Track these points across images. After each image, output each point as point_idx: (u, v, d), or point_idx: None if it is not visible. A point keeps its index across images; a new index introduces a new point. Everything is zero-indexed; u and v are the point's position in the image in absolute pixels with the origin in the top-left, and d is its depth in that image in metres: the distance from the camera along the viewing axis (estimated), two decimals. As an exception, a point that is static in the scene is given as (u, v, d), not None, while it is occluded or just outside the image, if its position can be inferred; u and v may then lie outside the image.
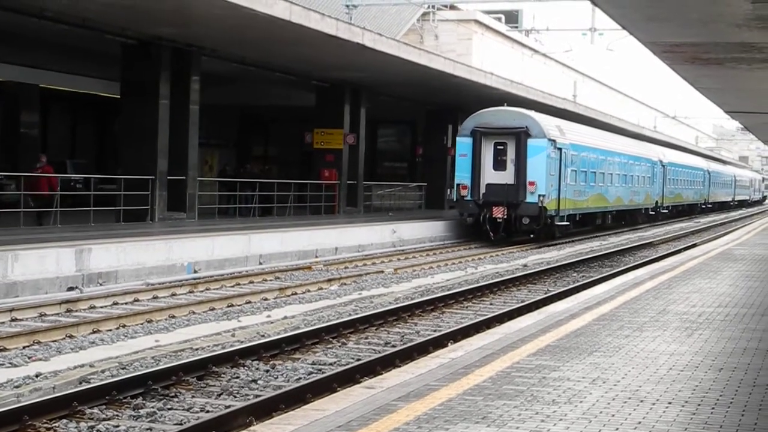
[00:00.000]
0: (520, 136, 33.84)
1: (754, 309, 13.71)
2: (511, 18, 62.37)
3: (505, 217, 33.70)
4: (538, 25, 56.89)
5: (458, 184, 34.56)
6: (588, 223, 42.37)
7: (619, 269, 25.29)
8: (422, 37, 53.26)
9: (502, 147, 34.30)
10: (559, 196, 35.29)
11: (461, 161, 34.66)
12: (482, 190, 34.15)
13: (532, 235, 35.04)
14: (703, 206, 73.04)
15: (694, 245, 33.73)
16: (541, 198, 33.65)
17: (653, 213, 54.02)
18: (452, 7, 53.72)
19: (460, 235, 35.95)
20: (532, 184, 33.63)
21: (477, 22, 55.85)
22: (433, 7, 51.37)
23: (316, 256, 26.89)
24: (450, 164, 41.71)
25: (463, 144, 34.66)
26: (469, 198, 34.30)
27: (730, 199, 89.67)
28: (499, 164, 34.34)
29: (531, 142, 33.83)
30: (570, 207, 37.04)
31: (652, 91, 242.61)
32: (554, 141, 34.79)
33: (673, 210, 61.56)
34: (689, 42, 16.19)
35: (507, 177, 34.03)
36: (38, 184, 26.17)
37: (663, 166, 55.39)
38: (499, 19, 60.45)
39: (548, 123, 35.62)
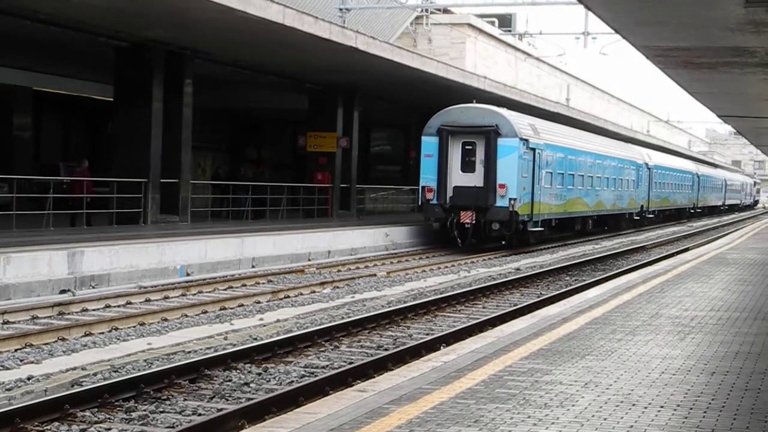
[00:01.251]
0: (490, 135, 31.69)
1: (746, 313, 13.74)
2: (505, 22, 62.44)
3: (474, 222, 31.63)
4: (531, 28, 57.29)
5: (423, 187, 32.42)
6: (566, 229, 40.17)
7: (612, 273, 25.31)
8: (415, 40, 53.28)
9: (470, 147, 32.22)
10: (532, 199, 33.23)
11: (426, 162, 32.61)
12: (449, 193, 32.05)
13: (503, 242, 32.80)
14: (692, 211, 71.43)
15: (687, 249, 33.80)
16: (512, 202, 31.54)
17: (638, 218, 52.06)
18: (446, 11, 53.78)
19: (428, 242, 33.97)
20: (502, 186, 31.49)
21: (470, 25, 55.88)
22: (427, 10, 51.41)
23: (309, 260, 26.88)
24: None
25: (429, 143, 32.60)
26: (435, 202, 32.17)
27: (720, 203, 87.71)
28: (467, 165, 32.27)
29: (501, 142, 31.67)
30: (545, 212, 34.98)
31: (645, 96, 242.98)
32: (527, 141, 32.67)
33: (660, 215, 59.72)
34: (682, 46, 16.24)
35: (476, 179, 31.98)
36: (78, 187, 27.01)
37: (649, 168, 53.48)
38: (493, 23, 60.49)
39: (520, 121, 33.47)
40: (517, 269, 26.66)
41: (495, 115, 32.35)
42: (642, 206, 52.14)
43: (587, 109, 66.70)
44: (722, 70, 18.62)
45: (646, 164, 52.87)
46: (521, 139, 32.09)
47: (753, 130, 39.76)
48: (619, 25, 15.03)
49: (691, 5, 13.01)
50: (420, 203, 33.06)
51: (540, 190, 33.96)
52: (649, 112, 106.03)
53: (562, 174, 37.07)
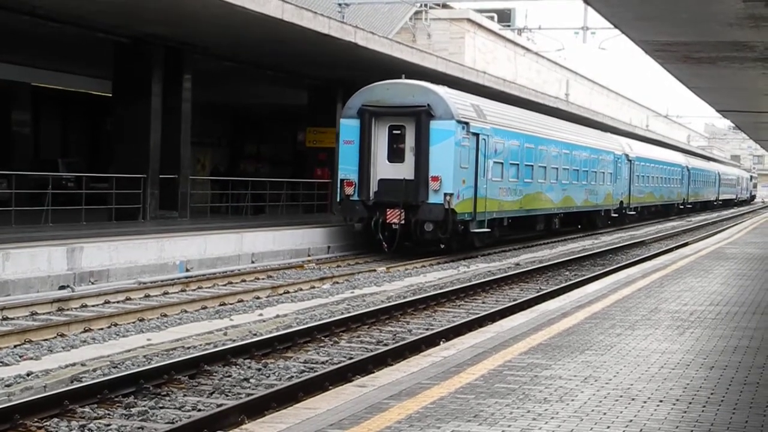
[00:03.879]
0: (420, 116, 26.50)
1: (745, 307, 13.75)
2: (504, 17, 62.50)
3: (403, 222, 26.51)
4: (530, 23, 57.11)
5: (342, 180, 27.24)
6: (525, 229, 35.36)
7: (612, 268, 25.32)
8: (415, 35, 53.28)
9: (398, 131, 27.07)
10: (475, 195, 28.06)
11: (346, 150, 27.41)
12: (373, 187, 26.94)
13: (442, 246, 27.78)
14: (682, 207, 66.82)
15: (686, 244, 33.81)
16: (448, 198, 26.40)
17: (616, 215, 46.92)
18: (445, 6, 53.72)
19: (348, 246, 28.82)
20: (435, 179, 26.40)
21: (469, 20, 55.89)
22: (426, 5, 51.37)
23: (309, 255, 26.87)
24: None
25: (348, 127, 27.39)
26: (356, 198, 26.92)
27: (713, 198, 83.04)
28: (395, 154, 27.10)
29: (435, 125, 26.51)
30: (493, 209, 29.76)
31: (644, 90, 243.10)
32: (467, 124, 27.36)
33: (645, 211, 54.87)
34: (681, 41, 16.23)
35: (405, 170, 26.79)
36: None
37: (629, 160, 48.52)
38: (492, 18, 60.51)
39: (459, 101, 28.08)
40: (517, 264, 26.66)
41: (427, 92, 27.13)
42: (622, 202, 47.54)
43: (587, 105, 66.68)
44: (721, 64, 18.61)
45: (626, 155, 48.22)
46: (459, 121, 26.99)
47: (752, 124, 39.75)
48: (618, 19, 15.01)
49: (690, 0, 13.01)
50: (338, 200, 27.91)
51: (486, 184, 28.85)
52: (648, 106, 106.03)
53: (518, 165, 32.05)
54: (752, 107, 29.17)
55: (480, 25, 57.35)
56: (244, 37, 28.04)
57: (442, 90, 27.58)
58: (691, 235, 42.91)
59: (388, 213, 26.53)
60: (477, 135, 28.04)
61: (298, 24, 25.58)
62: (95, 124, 43.84)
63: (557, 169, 36.41)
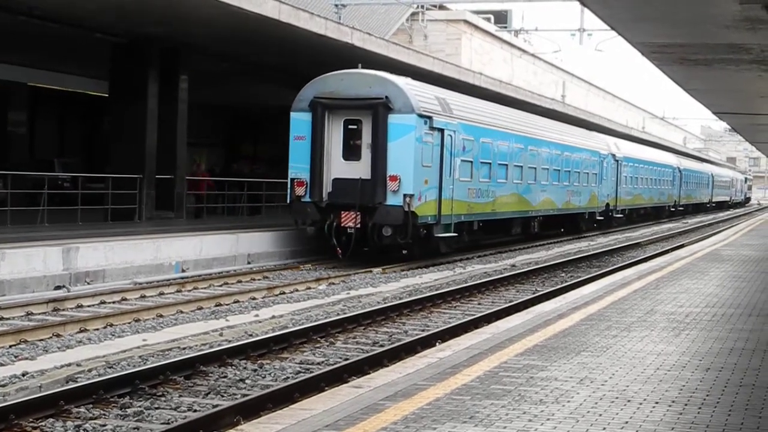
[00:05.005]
0: (377, 109, 24.26)
1: (741, 309, 13.75)
2: (500, 18, 62.53)
3: (359, 226, 24.40)
4: (527, 25, 57.07)
5: (293, 179, 25.17)
6: (500, 233, 33.04)
7: (607, 269, 25.34)
8: (411, 37, 53.31)
9: (354, 126, 24.93)
10: (440, 196, 25.73)
11: (297, 146, 25.28)
12: (327, 187, 24.84)
13: (405, 251, 25.85)
14: (673, 209, 64.59)
15: (682, 246, 33.84)
16: (408, 199, 24.23)
17: (602, 218, 44.50)
18: (441, 7, 53.79)
19: (302, 253, 26.56)
20: (393, 179, 24.20)
21: (466, 22, 55.95)
22: (422, 7, 51.40)
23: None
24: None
25: (300, 122, 25.28)
26: (307, 199, 24.84)
27: (707, 200, 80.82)
28: (350, 151, 24.95)
29: (393, 119, 24.28)
30: (461, 212, 27.49)
31: (640, 92, 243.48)
32: (429, 118, 25.13)
33: (634, 214, 52.93)
34: (678, 43, 16.25)
35: (361, 169, 24.59)
36: (199, 185, 32.34)
37: (616, 160, 46.35)
38: (488, 20, 60.58)
39: (422, 93, 25.77)
40: (513, 265, 26.67)
41: (385, 83, 24.82)
42: (608, 204, 45.31)
43: (583, 106, 66.74)
44: (718, 66, 18.64)
45: (613, 155, 45.98)
46: (421, 115, 24.75)
47: (748, 126, 39.81)
48: (615, 21, 15.03)
49: (687, 2, 13.03)
50: (288, 201, 25.77)
51: (453, 185, 26.57)
52: (644, 108, 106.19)
53: (490, 164, 29.77)
54: (748, 109, 29.21)
55: (476, 27, 57.42)
56: (241, 38, 28.03)
57: (401, 81, 25.28)
58: (687, 237, 42.95)
59: (343, 216, 24.46)
60: (442, 131, 25.82)
61: (295, 25, 25.58)
62: (91, 125, 43.75)
63: (535, 168, 34.28)
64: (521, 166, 32.67)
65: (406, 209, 24.21)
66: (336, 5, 38.05)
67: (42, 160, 37.09)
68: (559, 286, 21.06)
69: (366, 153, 24.63)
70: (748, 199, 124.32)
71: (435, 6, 52.36)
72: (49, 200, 25.57)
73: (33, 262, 18.40)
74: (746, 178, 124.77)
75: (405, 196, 24.23)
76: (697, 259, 23.25)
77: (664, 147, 75.75)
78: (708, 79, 21.03)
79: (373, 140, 24.40)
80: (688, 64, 18.65)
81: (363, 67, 25.75)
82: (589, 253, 31.33)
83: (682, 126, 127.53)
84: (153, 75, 28.19)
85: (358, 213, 24.31)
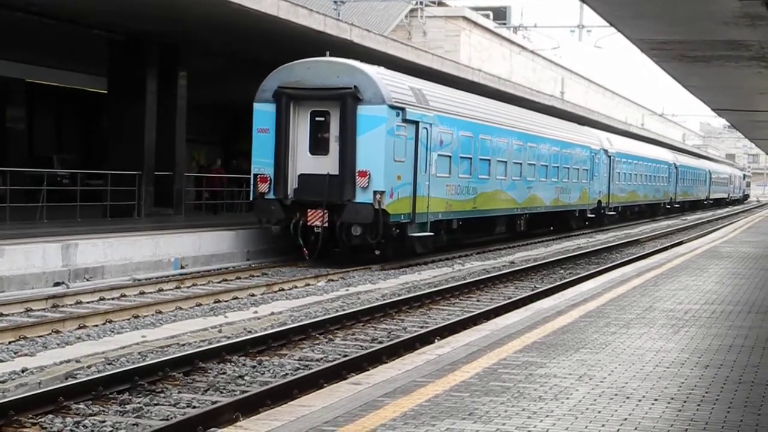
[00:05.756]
0: (345, 100, 22.83)
1: (740, 306, 13.76)
2: (499, 15, 62.58)
3: (326, 225, 23.01)
4: (526, 21, 57.04)
5: (256, 175, 23.70)
6: (481, 232, 31.45)
7: (606, 266, 25.34)
8: (410, 33, 53.30)
9: (322, 118, 23.44)
10: (414, 193, 24.27)
11: (260, 139, 23.83)
12: (292, 184, 23.42)
13: (377, 252, 24.13)
14: (669, 206, 63.39)
15: (681, 243, 33.86)
16: (379, 196, 22.74)
17: (593, 215, 43.32)
18: (440, 4, 53.79)
19: (263, 253, 25.00)
20: (363, 174, 22.77)
21: (465, 18, 55.94)
22: (421, 3, 51.39)
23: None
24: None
25: (263, 113, 23.78)
26: (271, 196, 23.41)
27: (704, 197, 79.69)
28: (318, 145, 23.45)
29: (363, 110, 22.82)
30: (438, 210, 25.95)
31: (639, 89, 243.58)
32: (402, 110, 23.55)
33: (626, 211, 51.37)
34: (677, 39, 16.25)
35: (329, 164, 23.10)
36: (213, 182, 34.44)
37: (609, 156, 45.00)
38: (487, 16, 60.58)
39: (394, 83, 24.21)
40: (512, 262, 26.67)
41: (353, 72, 23.40)
42: (600, 201, 43.90)
43: (582, 103, 66.72)
44: (717, 63, 18.64)
45: (605, 151, 44.58)
46: (393, 107, 23.23)
47: (747, 123, 39.81)
48: (614, 18, 15.03)
49: (686, -1, 13.03)
50: (251, 198, 24.33)
51: (428, 181, 25.05)
52: (643, 105, 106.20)
53: (470, 159, 28.24)
54: (747, 106, 29.22)
55: (475, 23, 57.42)
56: (240, 35, 28.02)
57: (372, 69, 23.78)
58: (686, 234, 42.98)
59: (309, 214, 23.07)
60: (416, 123, 24.27)
61: (294, 21, 25.57)
62: (90, 121, 43.76)
63: (521, 164, 32.71)
64: (505, 162, 31.34)
65: (377, 207, 22.79)
66: (335, 1, 38.01)
67: (41, 157, 37.12)
68: (557, 283, 21.06)
69: (334, 147, 23.22)
70: (746, 196, 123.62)
71: (434, 2, 52.35)
72: (48, 197, 25.56)
73: (32, 258, 18.40)
74: (745, 175, 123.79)
75: (375, 192, 22.80)
76: (696, 256, 23.25)
77: (660, 143, 74.87)
78: (707, 75, 21.04)
79: (341, 133, 22.99)
80: (687, 61, 18.65)
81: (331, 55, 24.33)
82: (588, 250, 31.33)
83: (682, 123, 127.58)
84: (152, 72, 28.20)
85: (325, 211, 22.95)
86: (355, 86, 22.89)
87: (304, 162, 23.45)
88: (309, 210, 23.07)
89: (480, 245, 31.11)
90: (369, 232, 23.07)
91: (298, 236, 23.15)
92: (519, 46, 62.86)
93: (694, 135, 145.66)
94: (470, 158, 28.21)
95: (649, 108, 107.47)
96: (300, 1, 27.05)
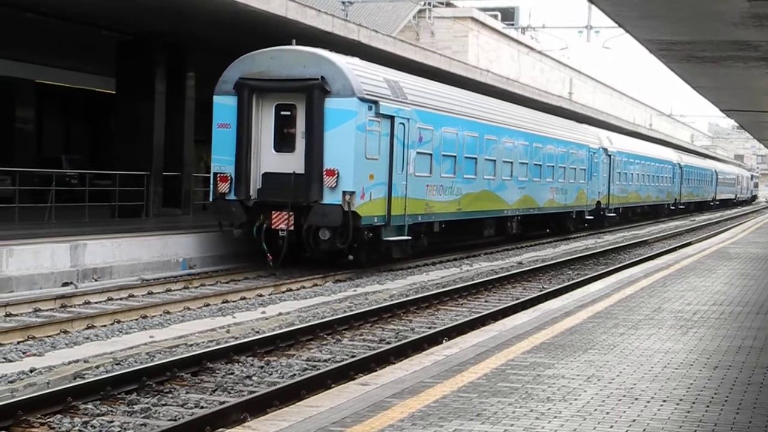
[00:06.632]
0: (312, 92, 21.03)
1: (749, 307, 13.73)
2: (508, 15, 62.54)
3: (292, 228, 21.16)
4: (534, 22, 57.02)
5: (216, 174, 21.92)
6: (467, 235, 29.72)
7: (614, 267, 25.31)
8: (418, 34, 53.30)
9: (288, 112, 21.66)
10: (389, 194, 22.48)
11: (221, 135, 22.03)
12: (255, 183, 21.68)
13: (351, 257, 22.42)
14: (673, 208, 61.71)
15: (689, 243, 33.80)
16: (348, 197, 20.99)
17: (592, 217, 41.40)
18: (448, 4, 53.79)
19: (220, 259, 23.19)
20: (331, 173, 20.99)
21: (473, 19, 55.92)
22: (430, 4, 51.39)
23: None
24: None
25: (223, 107, 22.01)
26: (232, 197, 21.66)
27: (710, 198, 77.90)
28: (283, 141, 21.70)
29: (331, 104, 21.06)
30: (417, 211, 24.10)
31: (648, 90, 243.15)
32: (375, 103, 21.73)
33: (628, 213, 49.78)
34: (685, 40, 16.22)
35: (295, 162, 21.32)
36: None
37: (609, 155, 43.10)
38: (496, 17, 60.55)
39: (366, 73, 22.41)
40: (520, 263, 26.65)
41: (320, 61, 21.53)
42: (599, 203, 42.08)
43: (590, 104, 66.64)
44: (725, 64, 18.60)
45: (605, 150, 42.63)
46: (364, 99, 21.42)
47: (756, 124, 39.74)
48: (622, 18, 15.00)
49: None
50: (212, 199, 22.47)
51: (406, 180, 23.26)
52: (652, 106, 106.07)
53: (455, 157, 26.42)
54: (756, 107, 29.16)
55: (483, 24, 57.38)
56: (247, 35, 28.02)
57: (341, 59, 21.95)
58: (694, 235, 42.90)
59: (274, 216, 21.22)
60: (392, 118, 22.45)
61: (302, 22, 25.57)
62: (99, 121, 43.88)
63: (512, 163, 30.84)
64: (494, 160, 29.35)
65: (346, 208, 20.94)
66: (343, 2, 38.03)
67: (49, 157, 37.21)
68: (566, 284, 21.04)
69: (300, 143, 21.40)
70: (754, 197, 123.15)
71: (442, 3, 52.36)
72: (56, 197, 25.61)
73: (41, 258, 18.43)
74: (752, 176, 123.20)
75: (344, 193, 20.97)
76: (704, 257, 23.21)
77: (665, 142, 73.53)
78: (715, 76, 20.99)
79: (307, 128, 21.19)
80: (695, 62, 18.61)
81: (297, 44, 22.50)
82: (596, 251, 31.29)
83: (690, 123, 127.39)
84: (160, 72, 28.24)
85: (290, 213, 21.10)
86: (322, 77, 21.09)
87: (268, 160, 21.71)
88: (273, 212, 21.26)
89: (466, 249, 29.41)
90: (338, 236, 21.27)
91: (262, 240, 21.43)
92: (527, 46, 62.82)
93: (703, 135, 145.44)
94: (454, 156, 26.44)
95: (658, 108, 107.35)
96: (308, 2, 27.07)
